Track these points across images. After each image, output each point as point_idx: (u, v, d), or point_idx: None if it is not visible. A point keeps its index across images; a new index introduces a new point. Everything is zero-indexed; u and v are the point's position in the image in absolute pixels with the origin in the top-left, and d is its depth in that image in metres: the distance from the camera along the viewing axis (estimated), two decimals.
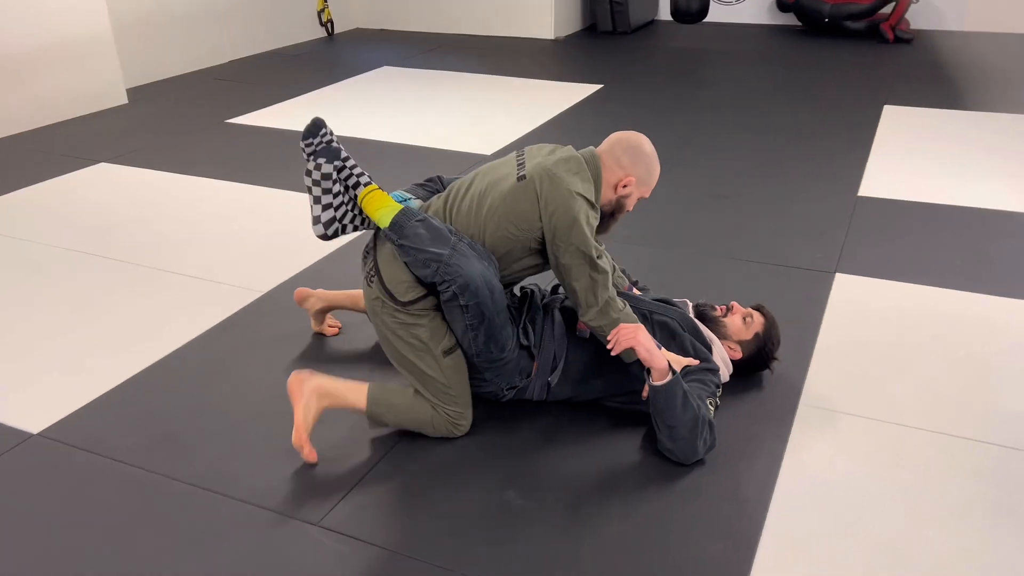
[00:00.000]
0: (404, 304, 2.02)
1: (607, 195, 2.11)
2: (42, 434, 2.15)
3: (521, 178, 2.03)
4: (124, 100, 5.37)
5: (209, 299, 2.83)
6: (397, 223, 1.99)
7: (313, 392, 2.02)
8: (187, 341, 2.57)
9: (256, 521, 1.85)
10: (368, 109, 5.18)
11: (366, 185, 2.06)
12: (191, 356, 2.50)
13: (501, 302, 2.01)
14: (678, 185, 3.84)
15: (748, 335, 2.26)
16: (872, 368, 2.40)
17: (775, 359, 2.32)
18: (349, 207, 2.10)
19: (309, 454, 1.99)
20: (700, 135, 4.59)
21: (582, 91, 5.57)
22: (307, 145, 2.04)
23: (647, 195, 2.17)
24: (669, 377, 1.95)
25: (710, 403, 2.06)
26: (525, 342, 2.13)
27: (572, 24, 7.62)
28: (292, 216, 3.53)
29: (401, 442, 2.10)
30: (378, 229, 2.09)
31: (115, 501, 1.91)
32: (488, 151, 4.35)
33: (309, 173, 2.04)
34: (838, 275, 2.95)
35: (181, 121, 4.96)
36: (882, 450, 2.06)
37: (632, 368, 2.07)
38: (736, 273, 3.00)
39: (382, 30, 7.88)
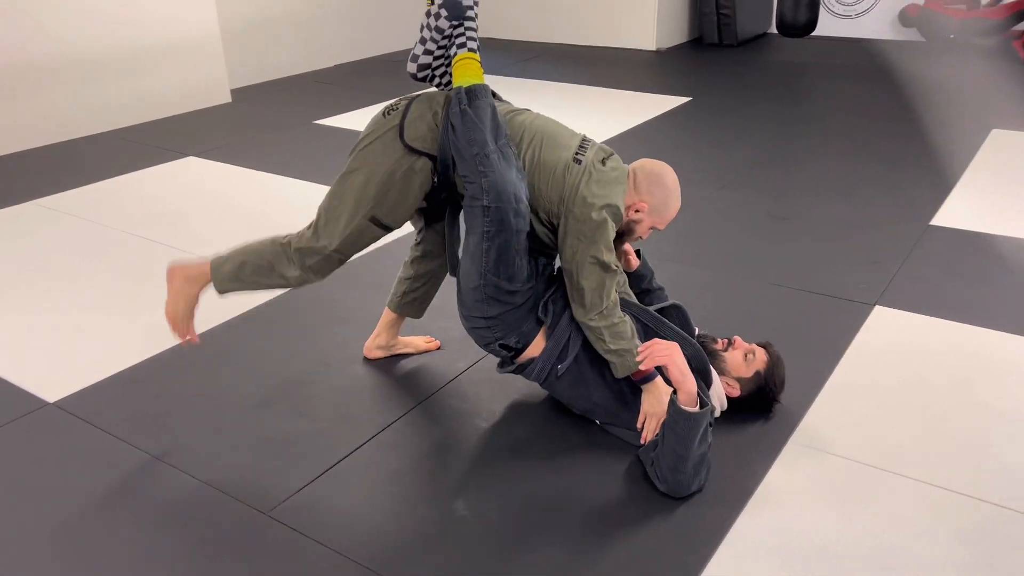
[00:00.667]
0: (407, 146, 2.02)
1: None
2: (56, 404, 2.33)
3: (578, 160, 2.02)
4: (228, 99, 5.72)
5: None
6: (475, 91, 1.97)
7: (182, 278, 2.18)
8: (207, 329, 2.71)
9: (211, 502, 1.93)
10: None
11: (471, 51, 2.05)
12: (207, 343, 2.63)
13: (523, 223, 1.97)
14: (737, 204, 3.70)
15: (748, 373, 2.14)
16: (879, 409, 2.23)
17: (777, 401, 2.19)
18: (446, 63, 2.13)
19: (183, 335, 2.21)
20: (778, 152, 4.40)
21: (668, 103, 5.46)
22: None
23: (661, 226, 2.14)
24: (698, 406, 1.88)
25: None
26: (543, 318, 2.09)
27: (677, 36, 7.47)
28: None
29: (365, 445, 2.14)
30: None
31: (97, 472, 2.04)
32: None
33: (428, 15, 2.06)
34: (877, 307, 2.76)
35: (273, 120, 5.23)
36: (862, 498, 1.91)
37: (637, 399, 2.03)
38: (769, 298, 2.85)
39: (489, 38, 8.00)
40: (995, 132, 4.62)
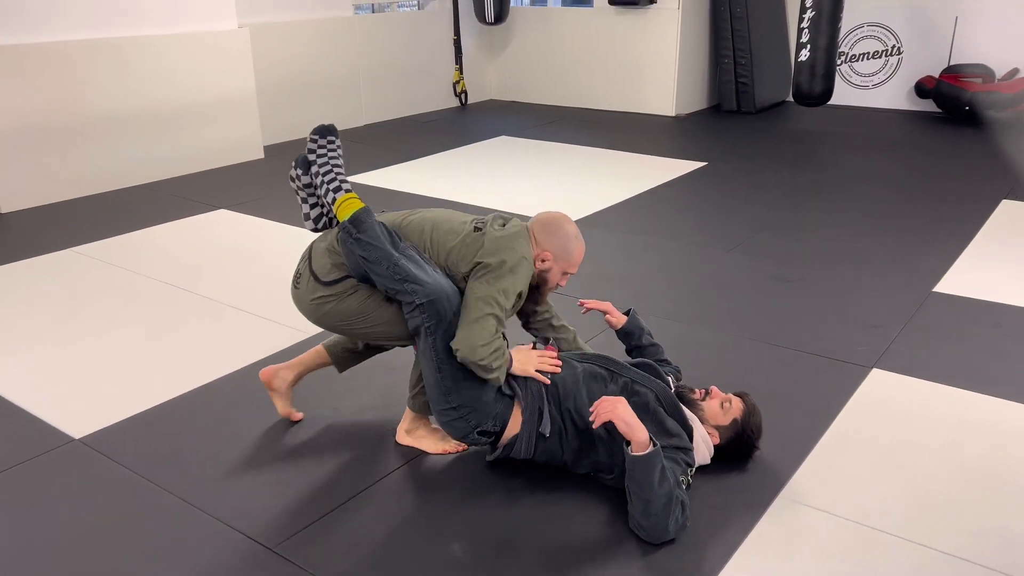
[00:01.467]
0: (327, 283, 2.23)
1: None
2: (82, 440, 2.46)
3: (478, 229, 2.22)
4: (261, 155, 5.98)
5: (260, 336, 3.12)
6: (357, 218, 2.14)
7: (282, 370, 2.47)
8: (227, 373, 2.84)
9: (219, 535, 2.03)
10: (470, 174, 5.48)
11: (345, 191, 2.23)
12: (225, 388, 2.76)
13: (457, 305, 2.13)
14: (741, 267, 3.80)
15: (726, 420, 2.23)
16: (870, 469, 2.29)
17: (756, 448, 2.27)
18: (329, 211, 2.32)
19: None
20: (787, 218, 4.51)
21: (683, 167, 5.62)
22: (311, 141, 2.28)
23: (573, 270, 2.31)
24: (649, 448, 1.97)
25: (681, 479, 2.06)
26: (508, 392, 2.21)
27: (696, 102, 7.68)
28: None
29: (370, 488, 2.23)
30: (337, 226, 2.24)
31: (114, 506, 2.16)
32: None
33: (291, 179, 2.31)
34: (874, 370, 2.82)
35: None
36: (846, 555, 1.96)
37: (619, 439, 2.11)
38: (767, 358, 2.93)
39: (513, 102, 8.28)
40: (1005, 203, 4.70)
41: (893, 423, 2.51)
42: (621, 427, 1.99)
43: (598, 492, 2.19)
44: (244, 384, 2.78)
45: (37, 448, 2.41)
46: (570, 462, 2.22)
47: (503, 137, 6.63)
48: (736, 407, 2.24)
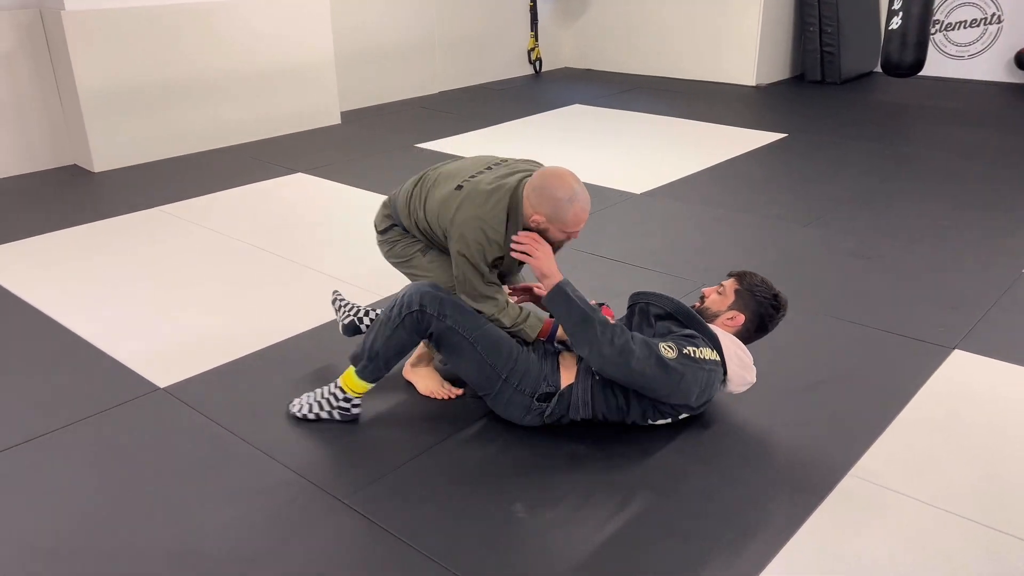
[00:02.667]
0: (380, 232, 2.54)
1: (527, 223, 2.25)
2: (166, 389, 2.58)
3: (459, 188, 2.30)
4: (338, 121, 6.08)
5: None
6: (371, 380, 2.36)
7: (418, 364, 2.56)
8: (303, 331, 2.94)
9: (295, 487, 2.11)
10: (542, 143, 5.46)
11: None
12: (301, 344, 2.86)
13: (449, 297, 2.25)
14: (818, 242, 3.71)
15: (731, 298, 2.33)
16: (945, 451, 2.23)
17: (776, 299, 2.34)
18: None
19: (449, 392, 2.48)
20: (869, 192, 4.37)
21: (763, 139, 5.48)
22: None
23: (571, 231, 2.23)
24: (554, 286, 2.15)
25: (667, 345, 2.14)
26: (553, 348, 2.31)
27: (778, 72, 7.46)
28: None
29: (437, 446, 2.28)
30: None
31: (195, 452, 2.27)
32: (637, 191, 4.44)
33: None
34: (956, 351, 2.73)
35: (378, 142, 5.53)
36: (916, 536, 1.92)
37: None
38: (843, 335, 2.86)
39: (588, 70, 8.19)
40: None
41: (972, 405, 2.43)
42: (533, 263, 2.17)
43: (663, 458, 2.19)
44: (318, 342, 2.86)
45: (126, 395, 2.54)
46: (628, 409, 2.22)
47: (577, 105, 6.58)
48: (730, 284, 2.36)
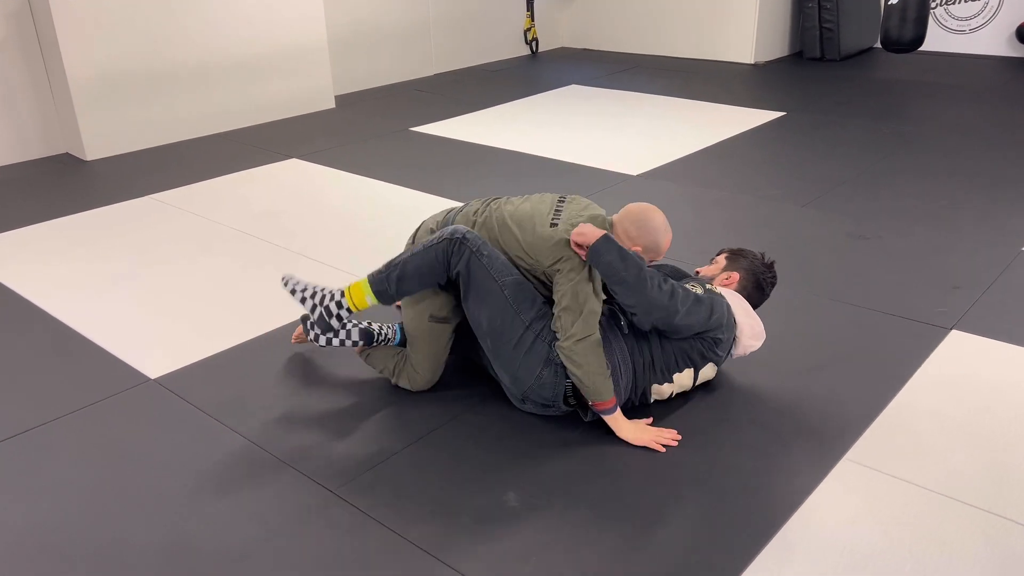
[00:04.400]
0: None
1: None
2: (157, 380, 2.56)
3: (554, 225, 2.26)
4: (332, 105, 6.02)
5: (332, 284, 3.16)
6: (377, 289, 2.35)
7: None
8: (294, 319, 2.91)
9: (284, 476, 2.10)
10: (539, 124, 5.41)
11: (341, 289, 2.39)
12: (292, 333, 2.83)
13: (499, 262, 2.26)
14: (816, 223, 3.67)
15: (722, 264, 2.51)
16: (943, 434, 2.20)
17: (764, 255, 2.53)
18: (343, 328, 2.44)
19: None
20: (868, 172, 4.32)
21: (761, 117, 5.42)
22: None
23: (659, 258, 2.35)
24: (598, 240, 2.13)
25: (690, 285, 2.28)
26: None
27: (776, 49, 7.38)
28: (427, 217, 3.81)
29: (429, 436, 2.27)
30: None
31: (185, 444, 2.25)
32: (635, 172, 4.40)
33: (324, 342, 2.44)
34: (953, 332, 2.70)
35: (372, 126, 5.48)
36: (912, 519, 1.91)
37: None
38: (839, 318, 2.84)
39: (585, 49, 8.11)
40: None
41: (970, 387, 2.41)
42: (576, 238, 2.16)
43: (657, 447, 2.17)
44: None
45: (116, 387, 2.53)
46: (653, 362, 2.26)
47: (573, 86, 6.51)
48: (720, 256, 2.55)
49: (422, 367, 2.40)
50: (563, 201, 2.35)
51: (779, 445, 2.17)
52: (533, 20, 7.80)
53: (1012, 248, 3.33)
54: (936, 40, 7.28)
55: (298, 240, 3.62)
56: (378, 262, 3.33)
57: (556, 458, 2.15)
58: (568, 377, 2.20)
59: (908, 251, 3.35)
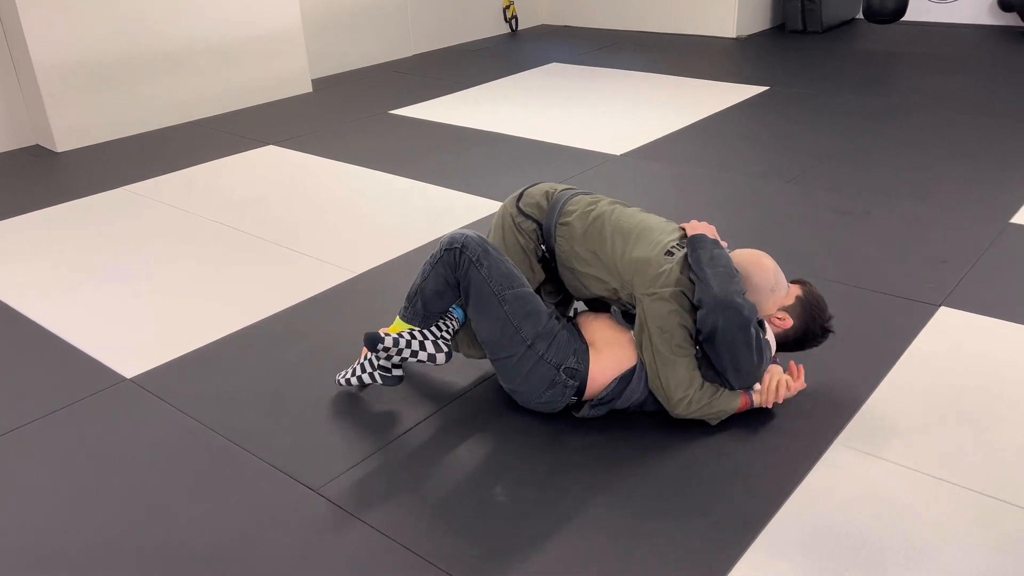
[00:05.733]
0: (519, 209, 2.35)
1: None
2: (133, 379, 2.50)
3: (669, 254, 2.12)
4: (309, 89, 5.91)
5: (307, 275, 3.11)
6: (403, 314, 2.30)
7: None
8: (274, 312, 2.85)
9: (266, 478, 2.04)
10: (521, 104, 5.33)
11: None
12: (273, 326, 2.77)
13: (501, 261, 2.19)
14: (803, 198, 3.63)
15: (790, 300, 2.21)
16: (933, 413, 2.18)
17: (829, 322, 2.23)
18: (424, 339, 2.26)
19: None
20: (853, 146, 4.28)
21: (744, 92, 5.37)
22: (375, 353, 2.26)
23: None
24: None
25: None
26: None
27: (759, 23, 7.30)
28: (408, 203, 3.75)
29: (411, 431, 2.22)
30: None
31: (164, 445, 2.19)
32: (618, 151, 4.34)
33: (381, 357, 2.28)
34: (942, 308, 2.68)
35: (350, 110, 5.38)
36: (903, 502, 1.88)
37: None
38: (826, 296, 2.77)
39: (565, 26, 8.00)
40: None
41: (959, 365, 2.38)
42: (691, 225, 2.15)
43: (642, 435, 2.13)
44: (291, 324, 2.78)
45: (90, 387, 2.46)
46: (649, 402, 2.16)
47: (555, 64, 6.42)
48: (794, 287, 2.25)
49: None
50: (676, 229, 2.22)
51: (770, 431, 2.13)
52: None
53: (999, 221, 3.31)
54: (917, 10, 7.23)
55: (277, 229, 3.54)
56: (361, 250, 3.29)
57: (544, 451, 2.10)
58: (574, 392, 2.14)
59: (895, 226, 3.31)
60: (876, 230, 3.29)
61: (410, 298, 2.27)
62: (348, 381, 2.31)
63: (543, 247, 2.31)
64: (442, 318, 2.30)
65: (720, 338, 2.00)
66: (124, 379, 2.50)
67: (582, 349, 2.15)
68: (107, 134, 4.94)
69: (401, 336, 2.22)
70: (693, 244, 2.09)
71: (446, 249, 2.18)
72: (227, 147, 4.71)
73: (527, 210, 2.32)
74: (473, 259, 2.14)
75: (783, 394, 2.13)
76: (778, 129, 4.61)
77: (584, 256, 2.23)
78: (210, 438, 2.21)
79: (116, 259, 3.33)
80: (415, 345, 2.22)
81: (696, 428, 2.15)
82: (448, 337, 2.28)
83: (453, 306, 2.35)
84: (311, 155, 4.51)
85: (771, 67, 6.06)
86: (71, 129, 4.78)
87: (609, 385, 2.13)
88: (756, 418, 2.18)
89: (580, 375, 2.13)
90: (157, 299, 2.99)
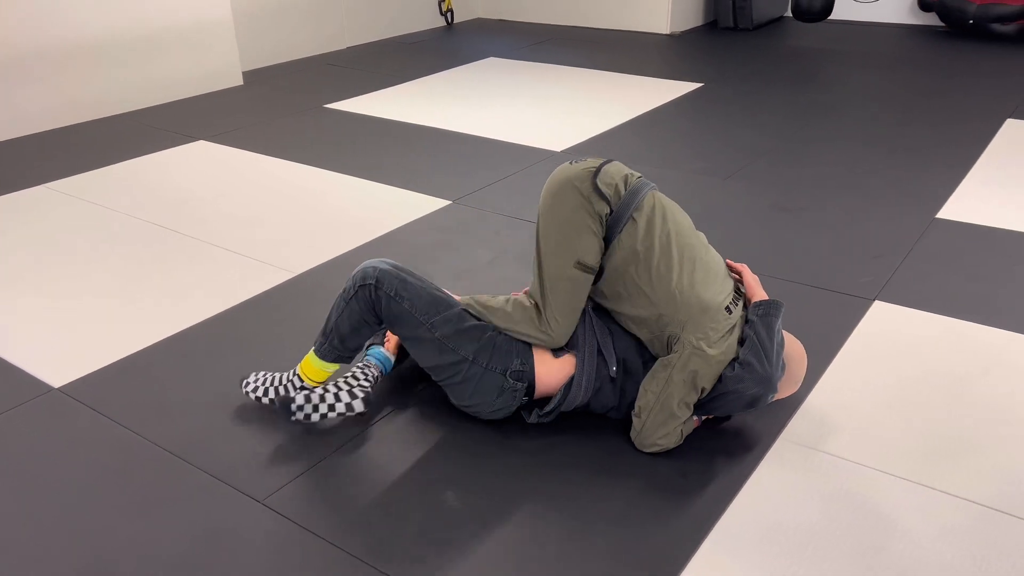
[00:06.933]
0: (595, 186, 2.03)
1: None
2: (61, 389, 2.38)
3: (729, 311, 2.04)
4: (240, 82, 5.74)
5: (245, 276, 3.01)
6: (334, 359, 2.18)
7: None
8: (211, 315, 2.75)
9: (208, 490, 1.97)
10: (457, 99, 5.28)
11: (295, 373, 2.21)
12: (209, 330, 2.68)
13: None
14: (741, 194, 3.69)
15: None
16: (872, 406, 2.24)
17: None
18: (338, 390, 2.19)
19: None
20: (787, 142, 4.37)
21: (679, 89, 5.43)
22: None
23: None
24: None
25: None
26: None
27: (691, 19, 7.41)
28: (347, 200, 3.68)
29: (358, 437, 2.17)
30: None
31: (99, 458, 2.09)
32: (559, 148, 4.34)
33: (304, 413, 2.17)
34: (877, 302, 2.75)
35: (283, 104, 5.25)
36: (848, 496, 1.92)
37: None
38: (766, 291, 2.85)
39: (501, 20, 7.97)
40: (1010, 122, 4.57)
41: (897, 358, 2.45)
42: (749, 281, 2.13)
43: (592, 439, 2.13)
44: (229, 327, 2.69)
45: (13, 399, 2.33)
46: (615, 404, 2.13)
47: (491, 59, 6.39)
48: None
49: (563, 316, 2.03)
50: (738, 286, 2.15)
51: (715, 430, 2.16)
52: None
53: (926, 215, 3.42)
54: (843, 9, 7.44)
55: (209, 228, 3.43)
56: (299, 250, 3.21)
57: (495, 455, 2.08)
58: (524, 394, 2.10)
59: (829, 221, 3.40)
60: (812, 225, 3.37)
61: (326, 334, 2.15)
62: (258, 397, 2.23)
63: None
64: (361, 368, 2.23)
65: (739, 403, 2.00)
66: (51, 388, 2.38)
67: (522, 348, 2.11)
68: (25, 128, 4.70)
69: (314, 392, 2.15)
70: (770, 311, 2.03)
71: (360, 286, 2.08)
72: (155, 142, 4.54)
73: (605, 191, 2.01)
74: (391, 294, 2.06)
75: None
76: (714, 126, 4.68)
77: (640, 259, 2.01)
78: (147, 450, 2.11)
79: (38, 261, 3.17)
80: (330, 399, 2.15)
81: None
82: (368, 385, 2.20)
83: (374, 349, 2.30)
84: (244, 151, 4.38)
85: (704, 64, 6.15)
86: None
87: (558, 392, 2.12)
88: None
89: (527, 375, 2.10)
90: (84, 303, 2.86)
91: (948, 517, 1.86)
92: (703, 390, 2.00)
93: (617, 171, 2.07)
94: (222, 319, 2.74)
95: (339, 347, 2.15)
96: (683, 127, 4.68)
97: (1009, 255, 3.06)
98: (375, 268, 2.09)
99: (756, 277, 2.17)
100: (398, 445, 2.13)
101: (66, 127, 4.85)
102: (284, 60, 6.38)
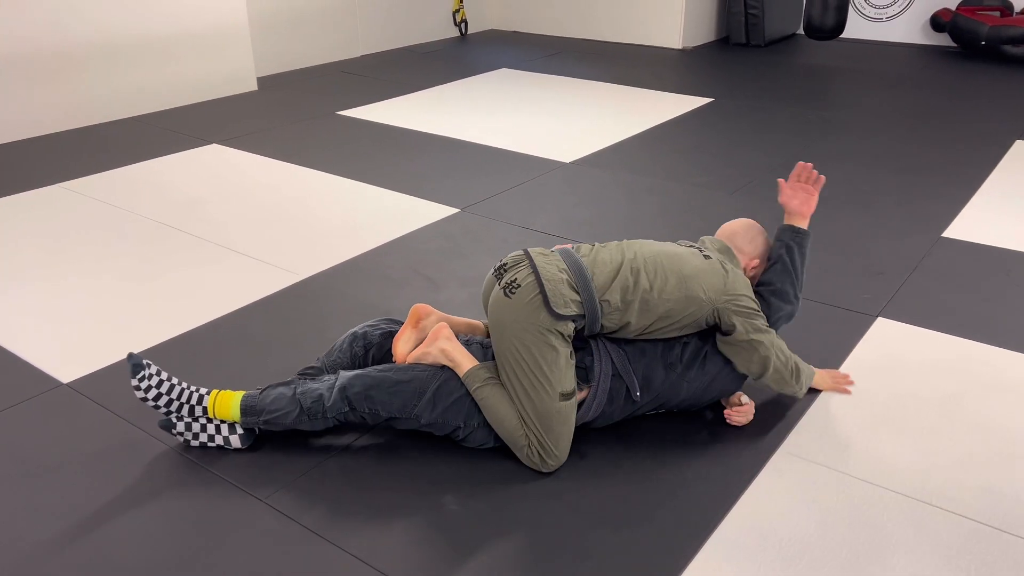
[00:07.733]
0: (557, 316, 2.00)
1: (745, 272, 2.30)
2: (70, 384, 2.41)
3: (707, 257, 2.19)
4: (254, 87, 5.81)
5: (253, 278, 3.05)
6: (247, 406, 2.07)
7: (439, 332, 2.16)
8: (219, 316, 2.79)
9: (211, 487, 2.00)
10: (469, 109, 5.33)
11: (208, 394, 2.10)
12: (216, 331, 2.71)
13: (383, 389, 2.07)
14: (747, 210, 3.71)
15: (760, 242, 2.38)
16: (871, 421, 2.25)
17: None
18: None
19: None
20: (795, 158, 4.39)
21: (689, 104, 5.46)
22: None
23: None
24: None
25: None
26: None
27: (704, 35, 7.45)
28: (357, 206, 3.72)
29: (360, 439, 2.19)
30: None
31: (105, 453, 2.12)
32: (567, 159, 4.37)
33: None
34: (879, 319, 2.77)
35: (297, 110, 5.31)
36: (845, 510, 1.94)
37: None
38: None
39: (515, 32, 8.03)
40: (1019, 143, 4.58)
41: (897, 375, 2.47)
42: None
43: (592, 445, 2.15)
44: (236, 328, 2.72)
45: (24, 393, 2.37)
46: (621, 419, 2.18)
47: (504, 70, 6.44)
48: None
49: (564, 440, 2.04)
50: (692, 245, 2.27)
51: (716, 440, 2.17)
52: (462, 1, 7.67)
53: (932, 234, 3.43)
54: (855, 27, 7.47)
55: (220, 230, 3.47)
56: (307, 253, 3.24)
57: (493, 459, 2.10)
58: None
59: (834, 237, 3.41)
60: (818, 241, 3.37)
61: (263, 416, 2.08)
62: (187, 441, 2.13)
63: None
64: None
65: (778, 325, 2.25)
66: (60, 384, 2.42)
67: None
68: (42, 128, 4.77)
69: (196, 422, 2.10)
70: (804, 238, 2.31)
71: (335, 416, 2.06)
72: (169, 144, 4.60)
73: (566, 312, 2.01)
74: (367, 412, 2.06)
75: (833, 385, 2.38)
76: (723, 141, 4.71)
77: (637, 309, 2.08)
78: (153, 447, 2.15)
79: (52, 258, 3.22)
80: (211, 429, 2.11)
81: (644, 438, 2.18)
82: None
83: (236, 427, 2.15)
84: (256, 155, 4.43)
85: (715, 79, 6.19)
86: (4, 123, 4.61)
87: None
88: (703, 427, 2.22)
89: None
90: (95, 301, 2.90)
91: (943, 533, 1.87)
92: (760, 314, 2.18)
93: (554, 286, 2.03)
94: (229, 320, 2.77)
95: (261, 424, 2.11)
96: (691, 142, 4.71)
97: (1014, 275, 3.07)
98: (341, 393, 2.05)
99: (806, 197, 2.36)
100: (398, 447, 2.15)
101: (82, 128, 4.92)
102: (298, 67, 6.45)
